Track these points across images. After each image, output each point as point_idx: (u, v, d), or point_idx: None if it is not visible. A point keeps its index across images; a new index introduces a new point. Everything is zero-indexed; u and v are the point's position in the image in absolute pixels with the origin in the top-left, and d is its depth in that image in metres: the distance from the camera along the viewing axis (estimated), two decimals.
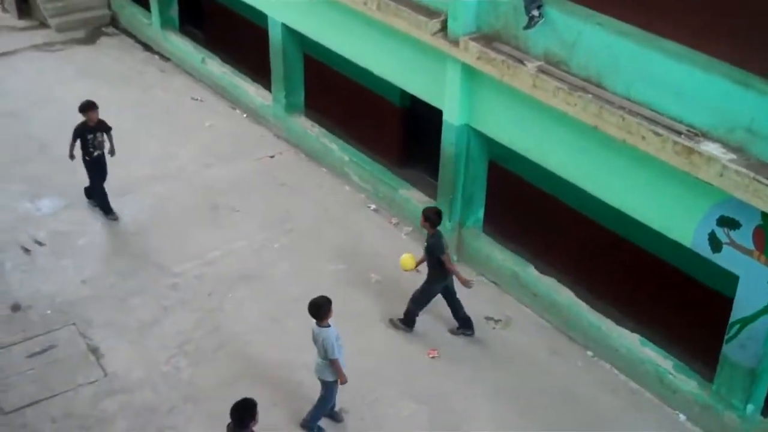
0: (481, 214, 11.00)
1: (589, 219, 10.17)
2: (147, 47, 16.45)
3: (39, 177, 12.37)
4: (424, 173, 12.50)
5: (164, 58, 16.05)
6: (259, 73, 14.26)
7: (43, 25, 17.02)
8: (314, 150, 13.11)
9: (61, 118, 13.72)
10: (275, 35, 13.15)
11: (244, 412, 6.91)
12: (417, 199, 11.56)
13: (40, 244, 11.04)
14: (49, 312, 9.91)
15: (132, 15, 16.81)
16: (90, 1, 17.16)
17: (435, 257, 9.33)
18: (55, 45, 16.42)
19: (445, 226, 10.86)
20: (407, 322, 9.82)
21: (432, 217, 9.27)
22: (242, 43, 15.35)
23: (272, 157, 13.25)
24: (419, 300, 9.67)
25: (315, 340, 8.07)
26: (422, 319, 9.91)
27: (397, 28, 10.36)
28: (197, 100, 14.78)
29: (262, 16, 13.38)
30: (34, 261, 10.75)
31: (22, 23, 17.17)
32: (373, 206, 12.07)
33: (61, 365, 9.21)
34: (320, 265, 10.85)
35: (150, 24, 16.21)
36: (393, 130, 12.98)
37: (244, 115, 14.32)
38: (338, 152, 12.67)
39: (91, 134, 11.23)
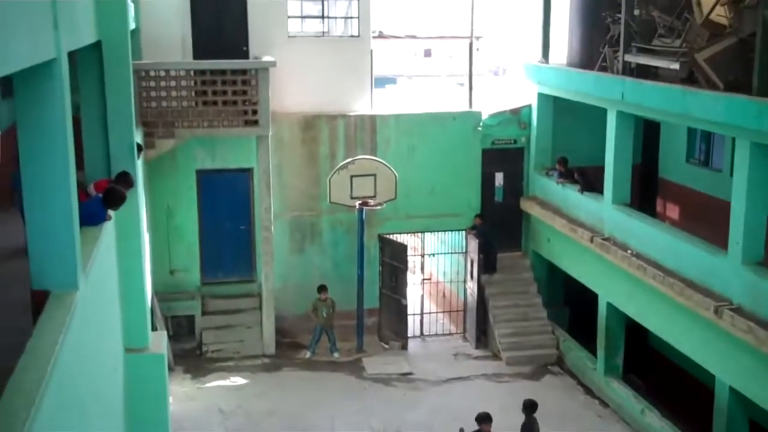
0: None
1: None
2: (588, 390, 16.86)
3: None
4: None
5: (603, 403, 16.27)
6: (699, 430, 13.77)
7: (495, 356, 18.42)
8: None
9: None
10: (721, 397, 12.78)
11: None
12: None
13: None
14: None
15: (578, 358, 17.52)
16: (541, 340, 18.38)
17: None
18: (503, 377, 17.56)
19: None
20: None
21: None
22: (684, 398, 15.06)
23: None
24: None
25: None
26: None
27: None
28: None
29: (709, 375, 13.16)
30: None
31: (478, 353, 18.76)
32: None
33: None
34: None
35: (594, 369, 16.72)
36: None
37: None
38: None
39: None
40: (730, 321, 12.12)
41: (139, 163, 11.07)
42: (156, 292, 17.45)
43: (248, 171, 18.51)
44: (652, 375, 16.88)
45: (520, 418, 15.53)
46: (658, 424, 14.59)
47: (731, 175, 12.94)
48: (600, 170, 16.45)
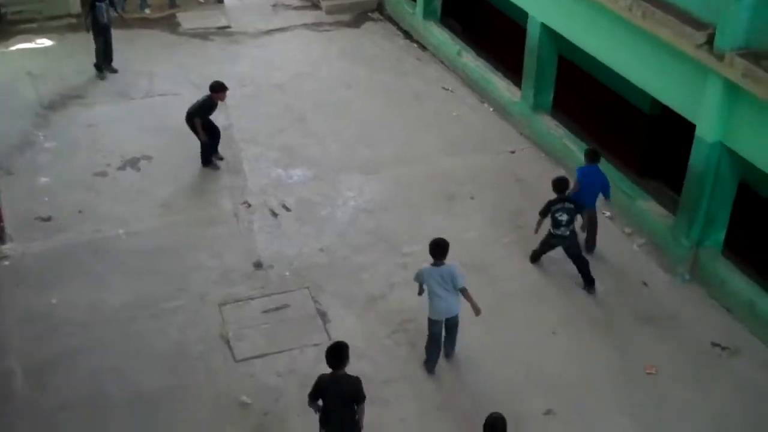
0: (722, 236, 10.50)
1: None
2: (407, 35, 17.04)
3: (293, 147, 13.21)
4: (666, 186, 12.11)
5: (422, 47, 16.56)
6: (511, 68, 14.39)
7: (315, 6, 18.08)
8: (555, 150, 13.05)
9: (319, 94, 14.64)
10: (533, 34, 13.20)
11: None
12: (655, 212, 11.23)
13: (287, 209, 11.82)
14: (287, 273, 10.60)
15: (397, 3, 17.46)
16: None
17: None
18: (323, 25, 17.40)
19: (682, 243, 10.50)
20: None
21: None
22: (498, 38, 15.52)
23: (513, 152, 13.34)
24: None
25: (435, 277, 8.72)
26: (640, 332, 9.77)
27: (659, 36, 10.09)
28: (448, 90, 15.13)
29: (522, 14, 13.47)
30: (279, 225, 11.52)
31: (297, 3, 18.33)
32: (607, 213, 11.82)
33: (291, 324, 9.82)
34: (546, 266, 10.81)
35: (413, 13, 16.78)
36: (638, 137, 12.65)
37: (491, 109, 14.49)
38: (578, 154, 12.50)
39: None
40: None
41: None
42: None
43: None
44: (468, 17, 17.13)
45: (340, 66, 15.72)
46: (473, 63, 15.09)
47: None
48: None
